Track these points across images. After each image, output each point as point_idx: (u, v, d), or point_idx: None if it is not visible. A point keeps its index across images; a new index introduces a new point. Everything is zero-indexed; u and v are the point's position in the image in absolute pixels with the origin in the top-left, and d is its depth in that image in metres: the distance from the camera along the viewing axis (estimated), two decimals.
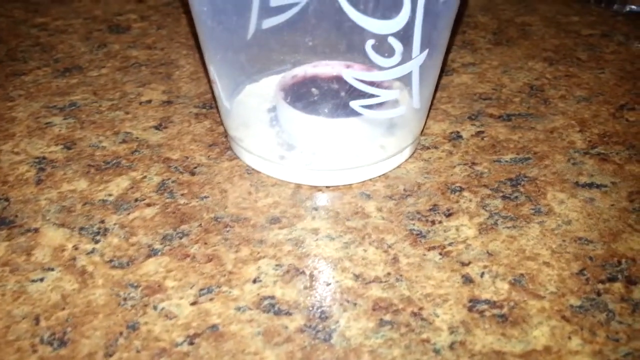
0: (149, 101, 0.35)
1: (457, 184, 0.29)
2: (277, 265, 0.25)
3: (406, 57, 0.25)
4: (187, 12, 0.46)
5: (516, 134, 0.33)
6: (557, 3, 0.47)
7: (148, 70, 0.38)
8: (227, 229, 0.27)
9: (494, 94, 0.36)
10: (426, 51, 0.26)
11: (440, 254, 0.25)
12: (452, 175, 0.30)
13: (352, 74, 0.26)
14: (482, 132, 0.33)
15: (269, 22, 0.30)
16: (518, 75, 0.38)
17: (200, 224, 0.27)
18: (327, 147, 0.29)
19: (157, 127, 0.33)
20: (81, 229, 0.27)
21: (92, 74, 0.38)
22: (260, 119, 0.31)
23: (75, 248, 0.26)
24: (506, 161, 0.31)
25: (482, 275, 0.25)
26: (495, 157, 0.31)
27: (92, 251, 0.26)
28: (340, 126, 0.29)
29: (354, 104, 0.27)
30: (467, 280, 0.24)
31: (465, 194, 0.29)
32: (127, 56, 0.40)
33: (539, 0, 0.48)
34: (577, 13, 0.46)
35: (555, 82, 0.37)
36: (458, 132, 0.33)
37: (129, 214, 0.27)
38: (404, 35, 0.25)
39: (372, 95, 0.26)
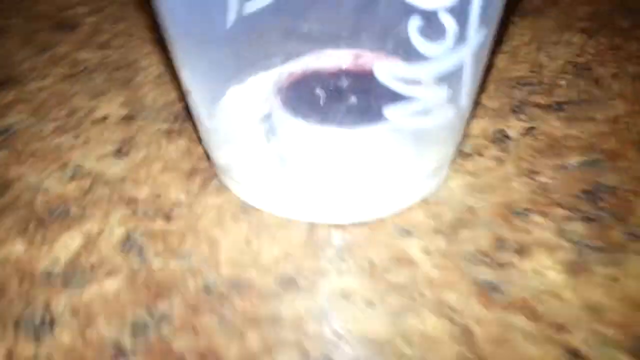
0: (105, 118, 0.26)
1: (521, 205, 0.21)
2: None
3: (460, 40, 0.17)
4: None
5: (574, 128, 0.24)
6: None
7: (102, 76, 0.29)
8: (224, 302, 0.18)
9: (534, 77, 0.27)
10: (485, 31, 0.17)
11: (527, 316, 0.17)
12: (510, 191, 0.21)
13: (390, 69, 0.17)
14: (533, 128, 0.24)
15: (253, 5, 0.21)
16: (555, 51, 0.29)
17: (185, 298, 0.18)
18: (345, 168, 0.21)
19: (116, 154, 0.24)
20: (16, 323, 0.18)
21: (31, 87, 0.29)
22: (252, 134, 0.22)
23: (9, 356, 0.17)
24: (573, 166, 0.22)
25: (590, 346, 0.17)
26: (558, 161, 0.23)
27: (34, 359, 0.17)
28: (361, 138, 0.20)
29: (391, 114, 0.18)
30: (575, 356, 0.16)
31: (535, 217, 0.20)
32: (76, 60, 0.31)
33: None
34: None
35: (600, 57, 0.29)
36: (503, 130, 0.24)
37: (83, 290, 0.19)
38: (459, 10, 0.16)
39: (410, 99, 0.18)
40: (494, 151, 0.23)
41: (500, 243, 0.19)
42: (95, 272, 0.19)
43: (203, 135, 0.22)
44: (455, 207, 0.21)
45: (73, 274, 0.19)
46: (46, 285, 0.19)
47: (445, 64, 0.17)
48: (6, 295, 0.18)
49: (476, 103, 0.26)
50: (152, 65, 0.30)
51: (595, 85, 0.27)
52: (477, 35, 0.17)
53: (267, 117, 0.23)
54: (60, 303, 0.18)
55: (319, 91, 0.22)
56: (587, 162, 0.23)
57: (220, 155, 0.22)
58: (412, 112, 0.18)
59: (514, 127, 0.24)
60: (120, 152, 0.24)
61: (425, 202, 0.21)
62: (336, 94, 0.22)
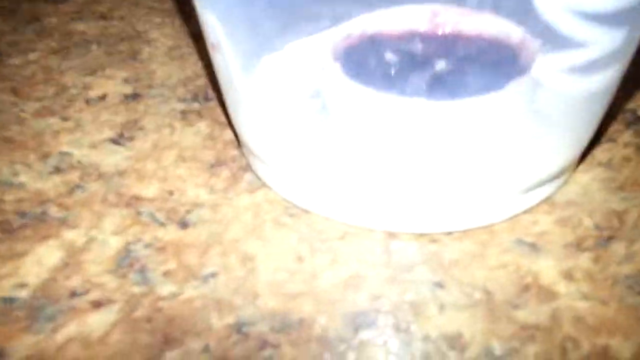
0: (102, 97, 0.20)
1: None
2: None
3: None
4: None
5: None
6: None
7: (101, 49, 0.24)
8: (266, 350, 0.12)
9: None
10: None
11: None
12: None
13: None
14: None
15: None
16: None
17: (208, 343, 0.12)
18: (437, 155, 0.15)
19: (115, 141, 0.18)
20: None
21: (12, 62, 0.23)
22: (300, 111, 0.17)
23: None
24: None
25: None
26: None
27: None
28: (461, 113, 0.15)
29: (550, 62, 0.12)
30: None
31: None
32: (70, 32, 0.25)
33: None
34: None
35: None
36: (634, 110, 0.18)
37: (56, 328, 0.13)
38: None
39: (575, 45, 0.12)
40: (627, 136, 0.17)
41: None
42: (76, 301, 0.13)
43: (233, 110, 0.17)
44: (594, 211, 0.15)
45: (44, 304, 0.13)
46: (4, 320, 0.13)
47: None
48: None
49: None
50: (164, 36, 0.24)
51: None
52: None
53: (317, 94, 0.17)
54: (20, 346, 0.12)
55: (388, 57, 0.17)
56: None
57: (257, 139, 0.16)
58: (574, 65, 0.12)
59: None
60: (121, 138, 0.18)
61: (549, 203, 0.15)
62: (419, 58, 0.16)
